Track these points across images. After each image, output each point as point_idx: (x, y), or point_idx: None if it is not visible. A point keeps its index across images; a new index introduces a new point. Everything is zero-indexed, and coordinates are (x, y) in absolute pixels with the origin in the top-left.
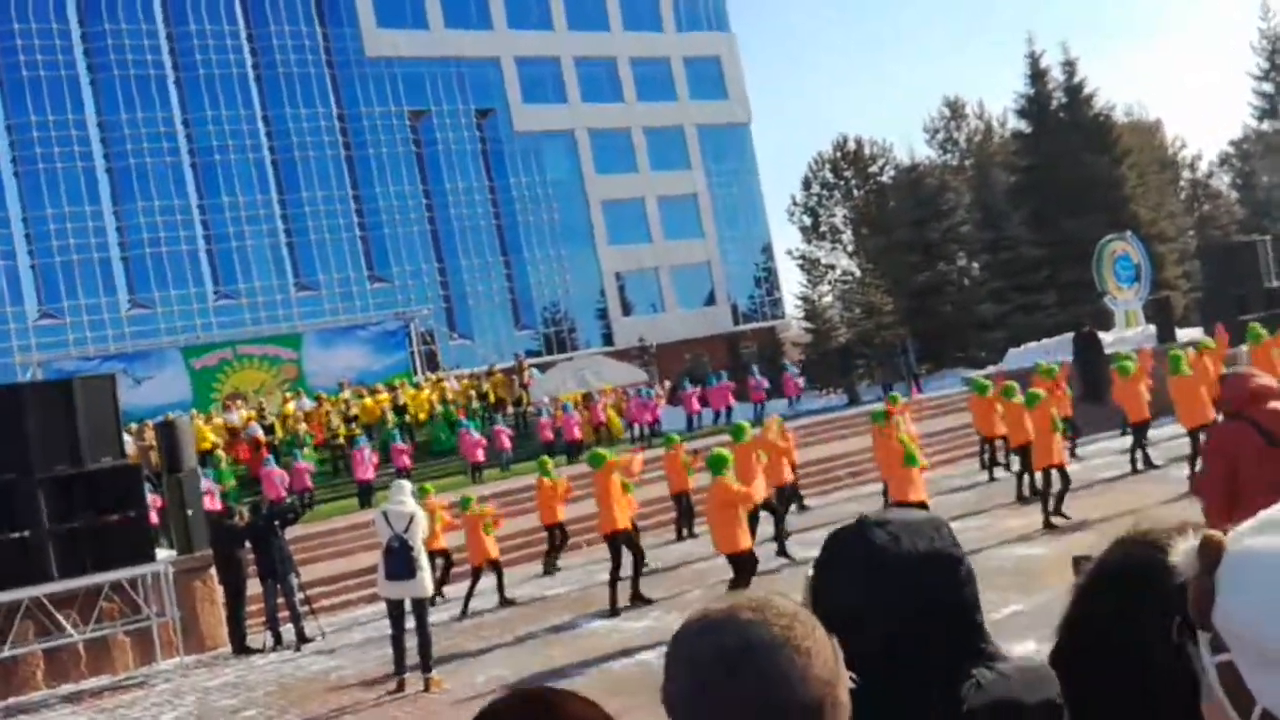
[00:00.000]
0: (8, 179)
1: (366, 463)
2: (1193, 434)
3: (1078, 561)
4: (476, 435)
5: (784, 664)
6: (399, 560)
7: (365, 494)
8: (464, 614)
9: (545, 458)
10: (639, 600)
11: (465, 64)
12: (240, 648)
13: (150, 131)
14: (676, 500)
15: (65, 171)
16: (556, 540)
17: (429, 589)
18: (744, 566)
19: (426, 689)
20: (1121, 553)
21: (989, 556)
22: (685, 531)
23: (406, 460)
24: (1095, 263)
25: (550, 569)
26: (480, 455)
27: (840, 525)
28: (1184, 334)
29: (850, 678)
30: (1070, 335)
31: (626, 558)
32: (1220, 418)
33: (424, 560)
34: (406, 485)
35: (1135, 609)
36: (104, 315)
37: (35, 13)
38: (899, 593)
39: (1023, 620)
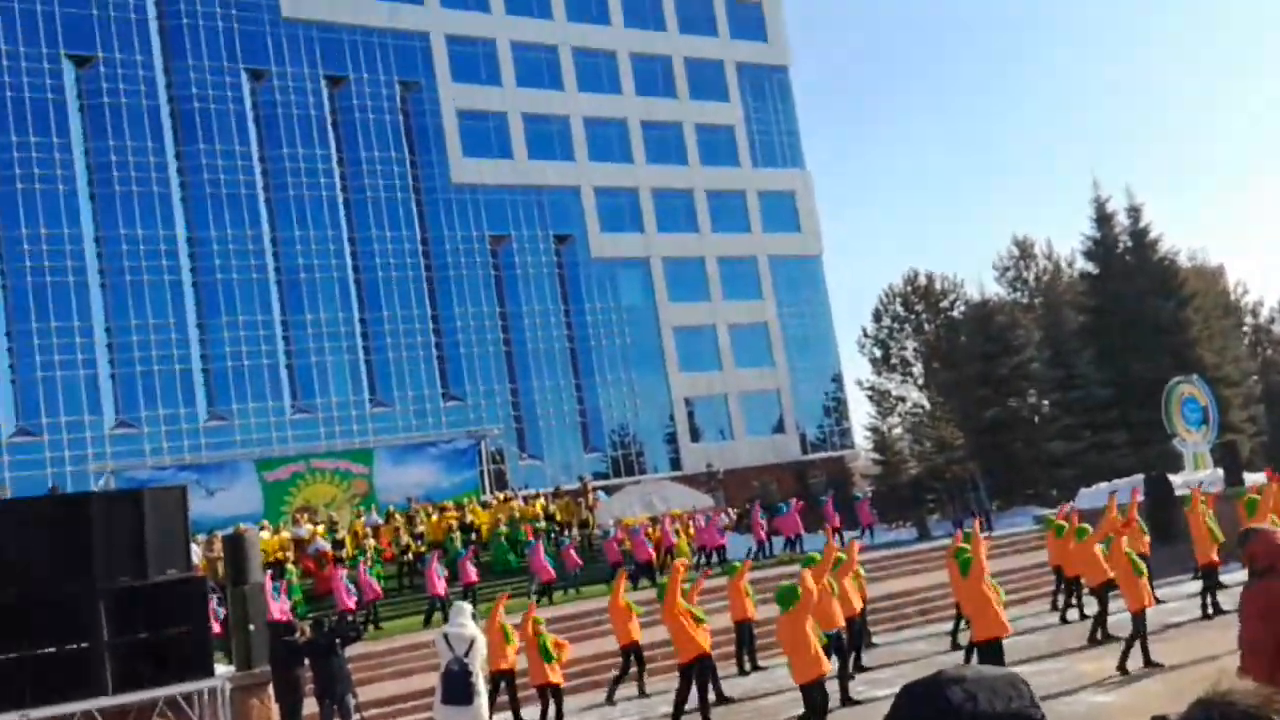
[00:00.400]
0: (94, 290)
1: (439, 578)
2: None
3: None
4: (543, 556)
5: None
6: (458, 685)
7: (431, 610)
8: None
9: (615, 580)
10: None
11: (546, 192)
12: None
13: (239, 249)
14: (739, 629)
15: (152, 285)
16: (630, 664)
17: (485, 716)
18: (814, 698)
19: None
20: (1203, 715)
21: (1061, 702)
22: (749, 664)
23: (473, 576)
24: (1164, 404)
25: (640, 690)
26: (551, 573)
27: (914, 680)
28: (1251, 478)
29: None
30: (1141, 476)
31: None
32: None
33: (481, 686)
34: (467, 608)
35: None
36: (181, 426)
37: (131, 131)
38: None
39: None
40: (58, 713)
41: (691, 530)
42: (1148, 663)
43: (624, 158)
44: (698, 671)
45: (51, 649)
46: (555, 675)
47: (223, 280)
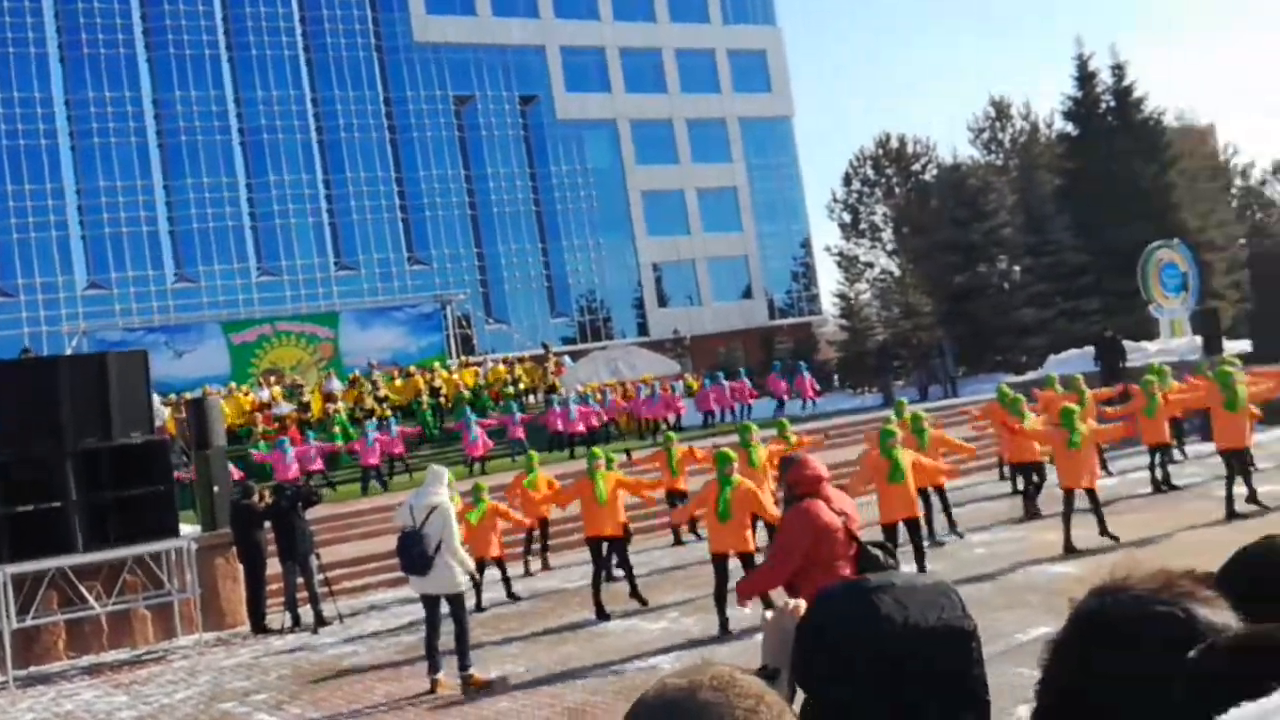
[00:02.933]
0: (64, 152)
1: (370, 449)
2: (1229, 454)
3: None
4: (475, 429)
5: None
6: (408, 554)
7: (365, 480)
8: (479, 607)
9: (533, 453)
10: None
11: (511, 51)
12: (259, 627)
13: (203, 109)
14: (670, 499)
15: (119, 146)
16: (535, 538)
17: (458, 584)
18: (723, 571)
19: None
20: (1096, 604)
21: (1019, 574)
22: (691, 532)
23: (399, 449)
24: (1141, 270)
25: (544, 565)
26: (478, 451)
27: (832, 586)
28: (1232, 346)
29: None
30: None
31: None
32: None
33: (448, 557)
34: (444, 474)
35: (1111, 667)
36: (150, 288)
37: None
38: (904, 672)
39: None
40: (33, 568)
41: (633, 403)
42: (1104, 532)
43: (590, 15)
44: (610, 545)
45: (26, 508)
46: (497, 549)
47: (187, 142)
